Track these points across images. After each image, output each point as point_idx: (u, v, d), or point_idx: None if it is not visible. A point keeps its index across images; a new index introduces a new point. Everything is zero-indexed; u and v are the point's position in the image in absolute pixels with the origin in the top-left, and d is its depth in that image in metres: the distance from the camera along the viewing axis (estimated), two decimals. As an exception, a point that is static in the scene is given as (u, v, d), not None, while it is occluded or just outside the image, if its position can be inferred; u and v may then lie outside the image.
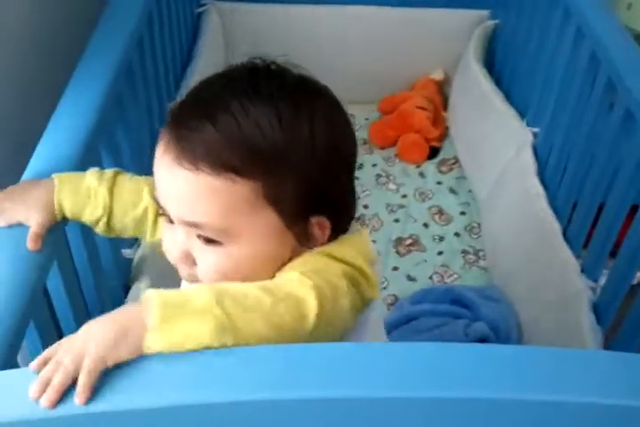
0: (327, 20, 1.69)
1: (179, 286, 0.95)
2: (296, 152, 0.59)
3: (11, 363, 0.65)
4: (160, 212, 0.65)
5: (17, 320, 0.67)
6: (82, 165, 0.83)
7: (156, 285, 1.03)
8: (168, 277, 1.10)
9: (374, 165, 1.62)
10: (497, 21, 1.67)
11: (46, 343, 0.74)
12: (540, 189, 1.26)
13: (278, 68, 0.65)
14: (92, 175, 0.76)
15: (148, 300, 0.53)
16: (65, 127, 0.89)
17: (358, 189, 1.51)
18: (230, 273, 0.62)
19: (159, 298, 0.53)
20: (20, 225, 0.74)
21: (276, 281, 0.58)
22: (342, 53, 1.72)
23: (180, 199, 0.60)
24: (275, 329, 0.54)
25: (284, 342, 0.54)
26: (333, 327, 0.59)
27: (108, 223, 0.76)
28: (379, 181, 1.58)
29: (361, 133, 1.70)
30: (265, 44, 1.73)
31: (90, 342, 0.52)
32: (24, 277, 0.71)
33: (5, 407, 0.52)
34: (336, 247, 0.63)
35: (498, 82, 1.58)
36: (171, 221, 0.63)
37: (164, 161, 0.60)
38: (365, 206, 1.51)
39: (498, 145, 1.44)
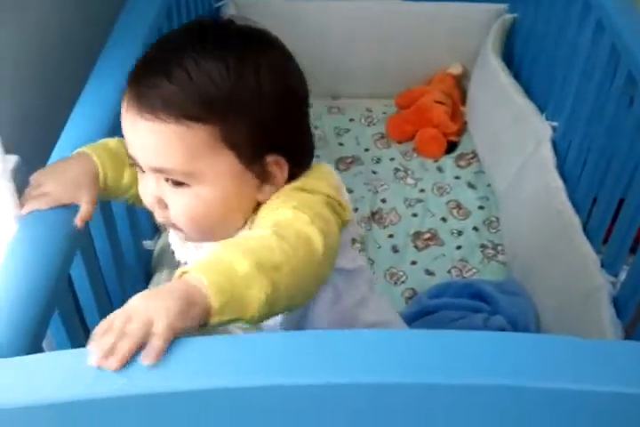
0: (344, 14, 1.69)
1: None
2: (245, 98, 0.64)
3: (36, 350, 0.66)
4: (131, 162, 0.69)
5: (42, 308, 0.68)
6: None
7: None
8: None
9: (392, 160, 1.62)
10: (515, 15, 1.66)
11: (70, 331, 0.75)
12: (559, 183, 1.26)
13: (225, 23, 0.70)
14: (111, 140, 0.80)
15: (197, 279, 0.56)
16: (87, 117, 0.90)
17: (376, 183, 1.54)
18: (201, 216, 0.67)
19: (208, 277, 0.56)
20: (43, 212, 0.75)
21: (278, 221, 0.62)
22: (359, 48, 1.72)
23: (145, 148, 0.65)
24: (301, 273, 0.60)
25: (305, 281, 0.60)
26: (333, 253, 0.65)
27: None
28: (397, 175, 1.58)
29: (378, 128, 1.70)
30: (283, 38, 1.74)
31: (159, 311, 0.53)
32: (48, 266, 0.72)
33: (32, 391, 0.54)
34: (305, 181, 0.69)
35: (517, 76, 1.57)
36: (142, 170, 0.68)
37: (128, 116, 0.65)
38: (383, 200, 1.51)
39: (517, 139, 1.44)
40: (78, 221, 0.75)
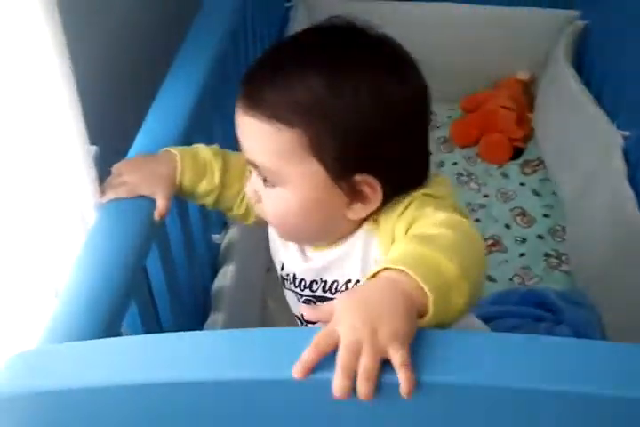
0: (413, 17, 1.68)
1: (263, 268, 0.95)
2: (339, 113, 0.63)
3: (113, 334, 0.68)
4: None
5: (119, 297, 0.70)
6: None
7: (242, 268, 1.05)
8: (254, 261, 1.12)
9: (455, 164, 1.61)
10: (587, 22, 1.63)
11: (145, 322, 0.76)
12: (630, 193, 1.23)
13: (345, 30, 0.70)
14: (204, 149, 0.81)
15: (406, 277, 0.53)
16: (163, 119, 0.92)
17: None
18: (283, 217, 0.69)
19: (426, 284, 0.53)
20: (123, 203, 0.77)
21: (441, 220, 0.61)
22: (427, 50, 1.67)
23: (245, 141, 0.69)
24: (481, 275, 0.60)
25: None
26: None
27: (219, 196, 0.81)
28: (459, 180, 1.57)
29: (442, 131, 1.69)
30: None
31: (393, 318, 0.50)
32: (126, 256, 0.73)
33: (108, 373, 0.55)
34: (431, 188, 0.67)
35: (587, 83, 1.54)
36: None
37: (238, 110, 0.68)
38: (445, 205, 1.50)
39: (586, 147, 1.41)
40: (156, 214, 0.77)
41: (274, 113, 0.64)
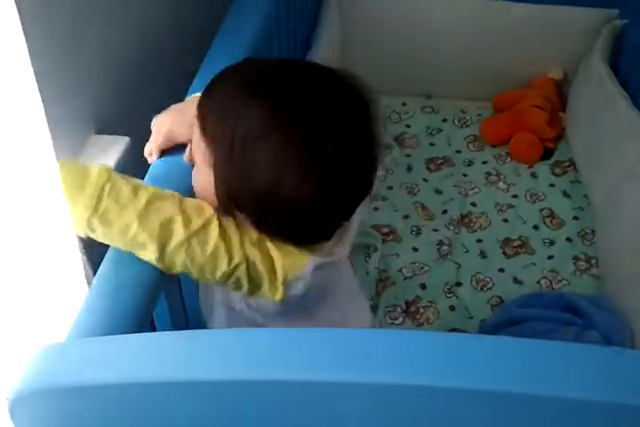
0: (446, 13, 1.65)
1: None
2: (243, 165, 0.67)
3: (143, 329, 0.67)
4: None
5: (150, 291, 0.69)
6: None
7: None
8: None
9: (484, 163, 1.59)
10: (625, 21, 1.60)
11: (174, 316, 0.76)
12: (664, 198, 1.21)
13: (324, 87, 0.69)
14: None
15: None
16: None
17: (466, 186, 1.51)
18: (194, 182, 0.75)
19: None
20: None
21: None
22: (459, 48, 1.68)
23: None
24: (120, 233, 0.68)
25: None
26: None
27: None
28: (489, 179, 1.55)
29: (472, 130, 1.67)
30: (380, 36, 1.73)
31: None
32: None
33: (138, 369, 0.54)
34: (277, 245, 0.70)
35: (623, 84, 1.51)
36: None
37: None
38: (473, 204, 1.48)
39: (620, 150, 1.38)
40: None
41: (204, 120, 0.71)
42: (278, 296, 0.71)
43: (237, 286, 0.71)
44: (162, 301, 0.74)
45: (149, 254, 0.68)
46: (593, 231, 1.40)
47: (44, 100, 0.70)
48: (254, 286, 0.71)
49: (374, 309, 1.15)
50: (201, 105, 0.72)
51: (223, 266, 0.68)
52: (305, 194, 0.66)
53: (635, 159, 1.33)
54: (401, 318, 1.25)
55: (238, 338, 0.57)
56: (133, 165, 0.92)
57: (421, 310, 1.26)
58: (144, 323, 0.68)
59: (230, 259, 0.68)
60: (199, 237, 0.68)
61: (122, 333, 0.64)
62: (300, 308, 0.76)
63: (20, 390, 0.55)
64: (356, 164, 0.67)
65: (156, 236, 0.67)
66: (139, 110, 1.06)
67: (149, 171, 0.84)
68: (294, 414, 0.55)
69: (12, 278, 0.67)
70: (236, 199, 0.68)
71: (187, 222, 0.68)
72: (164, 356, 0.55)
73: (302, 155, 0.65)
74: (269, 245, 0.70)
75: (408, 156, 1.60)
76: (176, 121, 0.83)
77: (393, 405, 0.53)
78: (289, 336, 0.56)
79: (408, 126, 1.68)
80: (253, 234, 0.70)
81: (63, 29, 0.81)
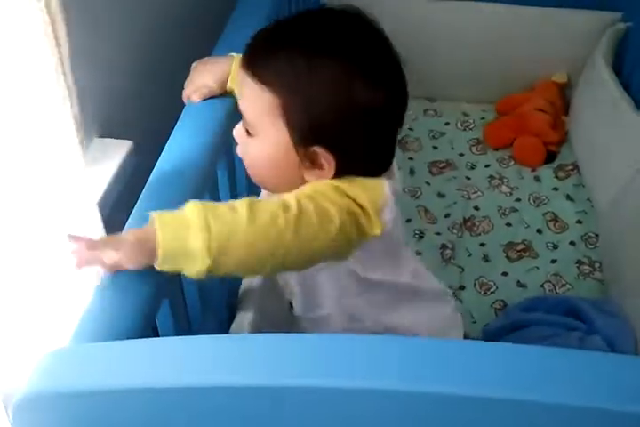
0: (449, 15, 1.65)
1: (281, 318, 0.95)
2: (312, 93, 0.72)
3: (147, 333, 0.67)
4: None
5: (152, 297, 0.69)
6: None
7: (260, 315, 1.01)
8: (272, 309, 1.07)
9: (487, 166, 1.59)
10: (629, 24, 1.60)
11: (177, 321, 0.76)
12: (669, 202, 1.20)
13: (351, 21, 0.76)
14: None
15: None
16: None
17: (469, 189, 1.51)
18: (252, 165, 0.79)
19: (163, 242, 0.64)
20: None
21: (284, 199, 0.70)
22: (461, 51, 1.68)
23: (238, 90, 0.80)
24: (258, 244, 0.66)
25: (267, 246, 0.66)
26: (312, 236, 0.69)
27: None
28: (491, 182, 1.54)
29: (475, 133, 1.67)
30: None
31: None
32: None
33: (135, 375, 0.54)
34: (345, 184, 0.74)
35: (626, 87, 1.51)
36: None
37: (240, 65, 0.77)
38: (476, 208, 1.48)
39: (623, 154, 1.38)
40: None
41: (261, 75, 0.74)
42: (378, 229, 0.74)
43: (348, 239, 0.72)
44: (164, 305, 0.73)
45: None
46: (596, 235, 1.40)
47: (47, 104, 0.70)
48: (359, 231, 0.73)
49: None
50: (257, 66, 0.74)
51: (336, 222, 0.70)
52: (379, 96, 0.73)
53: (638, 163, 1.32)
54: (404, 322, 1.24)
55: (253, 343, 0.57)
56: (136, 168, 0.92)
57: (424, 314, 1.26)
58: (147, 327, 0.68)
59: (332, 218, 0.70)
60: (303, 217, 0.68)
61: (125, 337, 0.64)
62: (396, 242, 0.82)
63: (24, 395, 0.55)
64: (402, 74, 0.77)
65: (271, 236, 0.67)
66: (142, 114, 1.06)
67: (156, 167, 0.84)
68: (305, 419, 0.55)
69: (18, 283, 0.67)
70: (318, 130, 0.72)
71: (285, 209, 0.68)
72: (169, 361, 0.54)
73: (365, 65, 0.73)
74: (346, 187, 0.73)
75: (411, 159, 1.60)
76: (208, 75, 0.93)
77: (399, 412, 0.53)
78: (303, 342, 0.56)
79: (411, 129, 1.68)
80: (328, 188, 0.72)
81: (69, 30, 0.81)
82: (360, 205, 0.73)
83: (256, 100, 0.75)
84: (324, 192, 0.72)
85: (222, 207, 0.66)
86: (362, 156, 0.76)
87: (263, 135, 0.76)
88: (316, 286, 0.83)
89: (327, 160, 0.74)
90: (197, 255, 0.63)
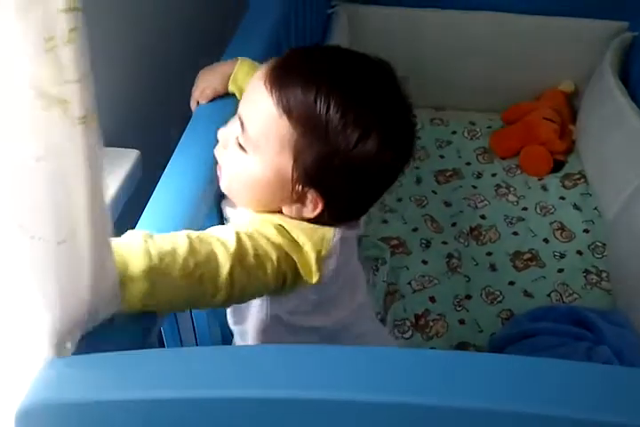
0: (456, 26, 1.66)
1: None
2: (333, 141, 0.69)
3: (152, 344, 0.67)
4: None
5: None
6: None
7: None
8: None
9: (494, 175, 1.58)
10: (636, 33, 1.60)
11: (182, 330, 0.75)
12: (677, 211, 1.20)
13: (383, 78, 0.73)
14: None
15: None
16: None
17: (476, 198, 1.51)
18: (231, 179, 0.75)
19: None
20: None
21: (208, 235, 0.67)
22: (468, 60, 1.68)
23: (249, 101, 0.74)
24: (186, 279, 0.63)
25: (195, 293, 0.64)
26: (250, 282, 0.67)
27: None
28: (498, 191, 1.54)
29: (482, 142, 1.66)
30: (390, 47, 1.73)
31: None
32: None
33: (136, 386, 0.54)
34: (294, 225, 0.72)
35: (633, 97, 1.51)
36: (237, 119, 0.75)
37: (262, 77, 0.72)
38: (483, 217, 1.48)
39: (630, 163, 1.38)
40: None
41: (288, 102, 0.69)
42: (315, 277, 0.72)
43: (282, 282, 0.71)
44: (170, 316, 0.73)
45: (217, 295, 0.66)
46: (604, 244, 1.39)
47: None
48: (294, 276, 0.71)
49: (382, 322, 1.14)
50: (278, 89, 0.70)
51: (270, 265, 0.68)
52: (390, 156, 0.71)
53: (646, 172, 1.32)
54: (410, 332, 1.24)
55: (252, 354, 0.57)
56: (143, 177, 0.92)
57: (431, 324, 1.25)
58: (152, 338, 0.68)
59: (270, 258, 0.68)
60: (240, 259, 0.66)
61: (129, 347, 0.64)
62: (331, 294, 0.78)
63: (25, 405, 0.55)
64: (414, 137, 0.76)
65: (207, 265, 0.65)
66: (148, 123, 1.06)
67: (162, 178, 0.83)
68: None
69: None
70: (322, 176, 0.70)
71: (225, 246, 0.66)
72: (172, 372, 0.54)
73: (388, 125, 0.71)
74: (293, 230, 0.71)
75: (417, 168, 1.60)
76: (210, 78, 0.92)
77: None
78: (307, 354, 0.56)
79: (417, 138, 1.67)
80: (273, 227, 0.71)
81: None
82: (302, 251, 0.71)
83: (269, 122, 0.71)
84: (265, 232, 0.70)
85: (162, 239, 0.64)
86: (348, 205, 0.75)
87: (263, 157, 0.72)
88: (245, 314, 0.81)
89: (315, 204, 0.72)
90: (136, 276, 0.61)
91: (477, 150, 1.65)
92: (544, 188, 1.54)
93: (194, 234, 0.66)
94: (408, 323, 1.25)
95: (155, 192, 0.82)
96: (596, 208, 1.47)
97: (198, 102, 0.94)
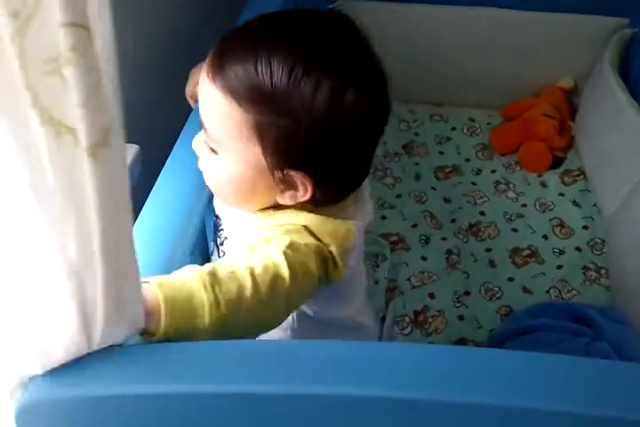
0: (454, 22, 1.65)
1: None
2: (291, 108, 0.63)
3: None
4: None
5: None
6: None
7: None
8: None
9: (493, 172, 1.58)
10: (636, 30, 1.59)
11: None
12: (676, 208, 1.20)
13: (335, 27, 0.68)
14: None
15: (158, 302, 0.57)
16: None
17: (475, 194, 1.51)
18: (213, 184, 0.72)
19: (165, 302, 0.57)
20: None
21: (260, 260, 0.64)
22: (467, 56, 1.68)
23: (201, 101, 0.69)
24: (257, 313, 0.61)
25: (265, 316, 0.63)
26: (299, 295, 0.67)
27: None
28: (497, 188, 1.54)
29: (481, 138, 1.66)
30: (389, 43, 1.73)
31: None
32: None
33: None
34: (317, 224, 0.69)
35: (633, 93, 1.50)
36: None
37: (204, 73, 0.68)
38: (482, 213, 1.48)
39: (629, 160, 1.38)
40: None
41: (231, 84, 0.64)
42: (340, 274, 0.70)
43: (316, 282, 0.69)
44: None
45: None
46: (603, 241, 1.39)
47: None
48: (325, 275, 0.70)
49: (383, 319, 1.14)
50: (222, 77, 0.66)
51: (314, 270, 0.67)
52: (365, 112, 0.66)
53: (645, 169, 1.32)
54: (409, 328, 1.24)
55: (257, 348, 0.57)
56: (143, 173, 0.92)
57: (430, 320, 1.25)
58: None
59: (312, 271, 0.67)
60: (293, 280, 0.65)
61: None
62: (352, 287, 0.78)
63: (25, 401, 0.55)
64: (386, 86, 0.69)
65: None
66: (149, 118, 1.06)
67: (162, 173, 0.84)
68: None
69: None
70: (298, 154, 0.66)
71: (277, 274, 0.64)
72: (178, 367, 0.54)
73: (353, 78, 0.65)
74: (316, 230, 0.69)
75: (416, 164, 1.60)
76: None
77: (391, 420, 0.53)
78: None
79: (417, 134, 1.68)
80: (302, 230, 0.68)
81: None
82: (329, 251, 0.69)
83: (223, 115, 0.66)
84: (297, 244, 0.66)
85: (227, 282, 0.60)
86: (340, 176, 0.70)
87: (231, 154, 0.68)
88: None
89: (304, 183, 0.68)
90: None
91: (477, 147, 1.65)
92: (543, 184, 1.54)
93: (254, 265, 0.62)
94: (407, 319, 1.25)
95: (154, 187, 0.82)
96: (595, 205, 1.47)
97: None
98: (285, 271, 0.63)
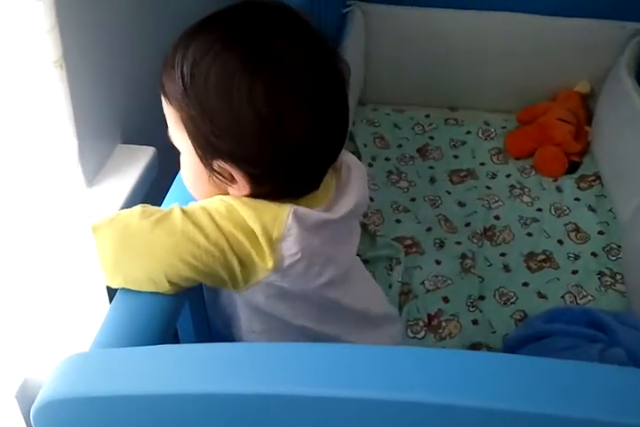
0: (471, 26, 1.65)
1: None
2: (199, 97, 0.65)
3: (166, 339, 0.67)
4: None
5: (175, 298, 0.69)
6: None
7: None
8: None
9: (508, 176, 1.58)
10: (654, 35, 1.59)
11: (197, 324, 0.76)
12: (693, 214, 1.19)
13: (265, 26, 0.66)
14: None
15: None
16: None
17: (490, 198, 1.50)
18: (186, 184, 0.75)
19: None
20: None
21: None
22: (484, 60, 1.68)
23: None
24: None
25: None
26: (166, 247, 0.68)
27: None
28: (512, 192, 1.54)
29: (496, 142, 1.66)
30: (405, 46, 1.73)
31: None
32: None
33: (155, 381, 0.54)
34: (244, 201, 0.68)
35: (649, 98, 1.50)
36: None
37: None
38: (497, 217, 1.47)
39: (646, 164, 1.37)
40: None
41: (164, 88, 0.69)
42: (270, 262, 0.66)
43: (231, 274, 0.68)
44: (185, 308, 0.74)
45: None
46: (618, 246, 1.38)
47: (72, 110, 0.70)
48: (246, 268, 0.67)
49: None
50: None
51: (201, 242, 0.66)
52: (289, 102, 0.64)
53: (662, 174, 1.31)
54: (423, 332, 1.24)
55: (255, 351, 0.57)
56: (159, 175, 0.92)
57: (443, 324, 1.25)
58: (168, 333, 0.68)
59: (206, 236, 0.66)
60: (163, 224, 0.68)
61: (145, 343, 0.64)
62: (303, 281, 0.72)
63: (43, 399, 0.55)
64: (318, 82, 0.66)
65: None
66: (165, 120, 1.07)
67: (176, 180, 0.84)
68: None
69: (35, 288, 0.67)
70: (214, 144, 0.66)
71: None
72: (189, 367, 0.55)
73: (269, 62, 0.64)
74: (242, 207, 0.67)
75: (431, 168, 1.60)
76: None
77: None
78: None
79: (432, 138, 1.67)
80: (222, 206, 0.68)
81: (95, 42, 0.82)
82: (252, 232, 0.66)
83: (167, 114, 0.70)
84: (206, 210, 0.68)
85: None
86: (275, 171, 0.67)
87: (181, 149, 0.71)
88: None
89: (237, 176, 0.67)
90: None
91: (492, 151, 1.64)
92: (559, 189, 1.53)
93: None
94: (421, 323, 1.25)
95: (171, 189, 0.82)
96: (610, 210, 1.46)
97: None
98: (176, 215, 0.68)
